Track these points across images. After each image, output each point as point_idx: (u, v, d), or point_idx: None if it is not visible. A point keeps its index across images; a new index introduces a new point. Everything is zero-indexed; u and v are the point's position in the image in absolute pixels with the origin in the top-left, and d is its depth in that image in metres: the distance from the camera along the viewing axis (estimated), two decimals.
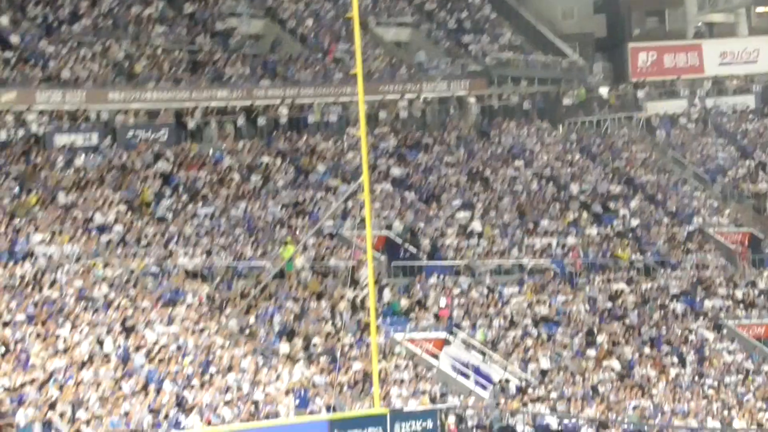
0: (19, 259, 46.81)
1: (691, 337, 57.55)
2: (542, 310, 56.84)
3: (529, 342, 54.28)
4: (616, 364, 53.99)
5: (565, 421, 48.13)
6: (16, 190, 52.81)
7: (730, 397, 52.44)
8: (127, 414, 38.67)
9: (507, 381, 51.18)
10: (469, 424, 47.49)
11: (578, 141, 74.21)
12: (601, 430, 47.66)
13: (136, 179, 57.10)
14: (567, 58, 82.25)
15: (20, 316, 42.28)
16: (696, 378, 54.31)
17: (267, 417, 41.77)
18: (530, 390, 50.83)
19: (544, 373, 52.39)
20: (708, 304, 60.39)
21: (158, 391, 40.82)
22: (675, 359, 55.44)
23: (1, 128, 56.64)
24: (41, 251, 47.78)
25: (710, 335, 58.08)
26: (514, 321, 55.64)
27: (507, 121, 73.92)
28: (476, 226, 62.19)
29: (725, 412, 50.76)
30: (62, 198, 53.40)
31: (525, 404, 49.25)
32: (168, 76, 64.84)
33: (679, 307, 59.67)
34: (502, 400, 49.71)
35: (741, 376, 55.02)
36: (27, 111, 58.01)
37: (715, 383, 53.89)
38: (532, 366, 52.64)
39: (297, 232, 56.21)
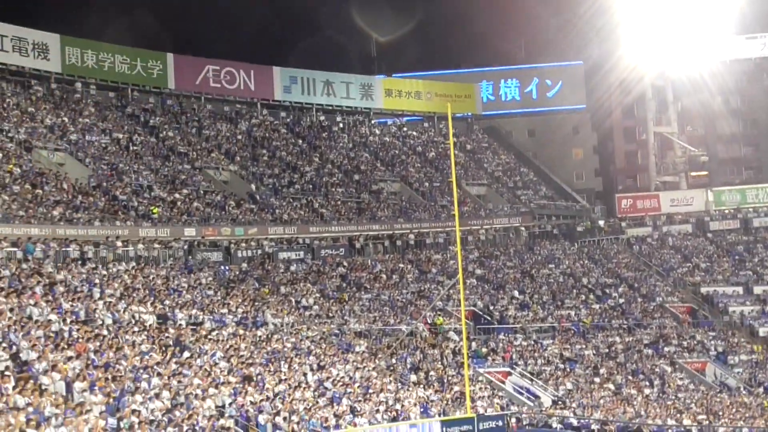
0: (259, 326, 46.60)
1: (657, 369, 55.90)
2: (566, 354, 55.57)
3: (559, 373, 53.01)
4: (611, 386, 52.57)
5: (582, 421, 46.88)
6: (256, 285, 52.79)
7: (681, 406, 50.88)
8: (320, 418, 38.04)
9: (546, 397, 50.17)
10: (524, 423, 46.48)
11: (586, 253, 73.08)
12: (603, 427, 46.25)
13: (326, 278, 56.90)
14: (579, 203, 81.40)
15: (259, 359, 41.97)
16: (660, 395, 52.70)
17: (404, 419, 40.98)
18: (560, 402, 49.64)
19: (568, 392, 51.10)
20: (666, 349, 58.73)
21: (339, 403, 40.19)
22: (647, 383, 53.85)
23: (248, 249, 56.77)
24: (271, 321, 47.55)
25: (668, 368, 56.37)
26: (550, 361, 54.40)
27: (544, 241, 73.05)
28: (526, 303, 61.22)
29: (678, 415, 49.26)
30: (283, 289, 53.25)
31: (557, 411, 48.18)
32: (344, 217, 64.81)
33: (649, 351, 58.09)
34: (543, 408, 48.75)
35: (687, 393, 53.45)
36: (263, 239, 58.16)
37: (672, 398, 52.32)
38: (561, 387, 51.38)
39: (421, 309, 55.52)
